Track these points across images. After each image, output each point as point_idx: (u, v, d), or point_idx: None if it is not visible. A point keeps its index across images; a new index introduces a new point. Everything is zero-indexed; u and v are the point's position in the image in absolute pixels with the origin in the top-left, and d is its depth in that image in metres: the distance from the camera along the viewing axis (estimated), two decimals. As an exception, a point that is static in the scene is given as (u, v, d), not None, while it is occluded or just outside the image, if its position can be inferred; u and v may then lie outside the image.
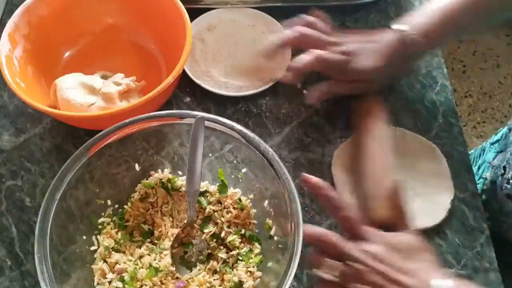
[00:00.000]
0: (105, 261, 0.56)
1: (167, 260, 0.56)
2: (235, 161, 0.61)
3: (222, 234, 0.58)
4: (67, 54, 0.73)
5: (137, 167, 0.60)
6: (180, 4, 0.66)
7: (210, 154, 0.66)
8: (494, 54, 1.94)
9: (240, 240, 0.57)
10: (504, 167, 0.68)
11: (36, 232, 0.50)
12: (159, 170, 0.61)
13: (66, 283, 0.52)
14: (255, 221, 0.59)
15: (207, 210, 0.59)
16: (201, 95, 0.70)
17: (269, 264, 0.55)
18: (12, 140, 0.67)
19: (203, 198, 0.60)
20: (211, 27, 0.75)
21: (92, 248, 0.57)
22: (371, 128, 0.62)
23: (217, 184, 0.61)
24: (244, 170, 0.60)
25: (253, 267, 0.55)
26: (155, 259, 0.56)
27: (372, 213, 0.55)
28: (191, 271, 0.56)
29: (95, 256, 0.57)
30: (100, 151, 0.56)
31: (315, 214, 0.63)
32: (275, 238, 0.56)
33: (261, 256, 0.56)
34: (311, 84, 0.68)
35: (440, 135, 0.68)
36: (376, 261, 0.48)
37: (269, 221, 0.57)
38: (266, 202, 0.58)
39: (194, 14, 0.72)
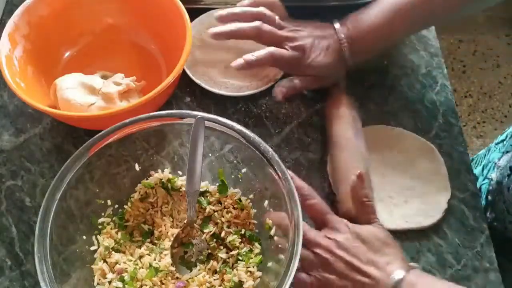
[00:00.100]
0: (105, 261, 0.56)
1: (167, 260, 0.55)
2: (235, 161, 0.60)
3: (222, 234, 0.57)
4: (67, 54, 0.73)
5: (137, 167, 0.60)
6: (180, 4, 0.66)
7: (210, 154, 0.66)
8: (494, 54, 1.93)
9: (240, 240, 0.57)
10: (511, 168, 0.68)
11: (36, 232, 0.50)
12: (159, 170, 0.61)
13: (66, 283, 0.52)
14: (255, 221, 0.59)
15: (207, 210, 0.59)
16: (201, 95, 0.70)
17: (269, 264, 0.55)
18: (12, 140, 0.67)
19: (203, 198, 0.59)
20: (211, 27, 0.75)
21: (92, 248, 0.57)
22: (336, 117, 0.63)
23: (217, 184, 0.61)
24: (244, 170, 0.60)
25: (253, 267, 0.55)
26: (155, 259, 0.56)
27: (339, 206, 0.57)
28: (191, 271, 0.56)
29: (95, 256, 0.56)
30: (100, 151, 0.55)
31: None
32: (275, 238, 0.56)
33: (261, 256, 0.56)
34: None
35: (440, 135, 0.68)
36: (342, 250, 0.49)
37: (269, 221, 0.57)
38: (266, 202, 0.58)
39: (194, 14, 0.72)
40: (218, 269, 0.56)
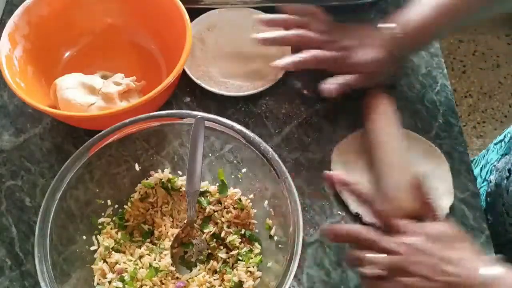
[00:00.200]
0: (105, 261, 0.56)
1: (167, 260, 0.55)
2: (235, 161, 0.61)
3: (222, 234, 0.58)
4: (67, 54, 0.73)
5: (137, 167, 0.60)
6: (180, 4, 0.66)
7: (210, 154, 0.66)
8: (494, 54, 1.94)
9: (240, 240, 0.57)
10: (510, 170, 0.68)
11: (36, 232, 0.50)
12: (159, 170, 0.61)
13: (66, 283, 0.52)
14: (255, 221, 0.59)
15: (207, 210, 0.59)
16: (201, 95, 0.70)
17: (269, 264, 0.55)
18: (12, 140, 0.67)
19: (203, 198, 0.59)
20: (211, 27, 0.75)
21: (92, 248, 0.57)
22: (382, 124, 0.63)
23: (217, 184, 0.61)
24: (244, 170, 0.60)
25: (253, 267, 0.55)
26: (155, 259, 0.56)
27: (398, 206, 0.55)
28: (191, 271, 0.56)
29: (95, 256, 0.56)
30: (100, 151, 0.56)
31: (315, 214, 0.63)
32: (275, 238, 0.56)
33: (261, 256, 0.56)
34: (310, 85, 0.68)
35: (440, 135, 0.68)
36: (419, 253, 0.48)
37: (269, 221, 0.57)
38: (266, 202, 0.58)
39: (194, 14, 0.72)
40: (218, 269, 0.56)
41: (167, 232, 0.58)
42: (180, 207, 0.60)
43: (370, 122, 0.64)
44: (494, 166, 0.74)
